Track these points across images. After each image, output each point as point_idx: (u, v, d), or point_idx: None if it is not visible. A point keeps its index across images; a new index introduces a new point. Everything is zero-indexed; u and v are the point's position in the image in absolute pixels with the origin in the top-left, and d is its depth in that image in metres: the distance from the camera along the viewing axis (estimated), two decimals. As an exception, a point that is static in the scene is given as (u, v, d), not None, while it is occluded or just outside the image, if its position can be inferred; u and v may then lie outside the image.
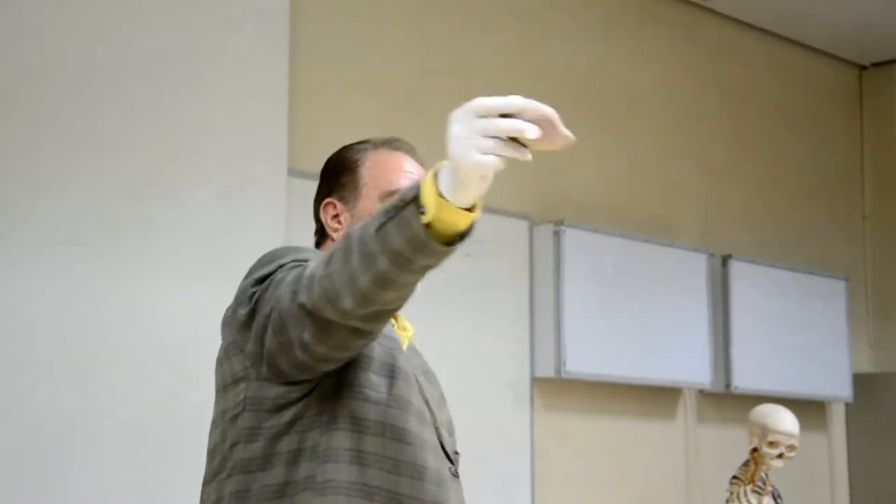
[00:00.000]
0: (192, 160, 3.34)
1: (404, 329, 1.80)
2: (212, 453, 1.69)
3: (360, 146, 1.84)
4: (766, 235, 5.40)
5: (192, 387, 3.07)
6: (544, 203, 4.48)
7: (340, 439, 1.58)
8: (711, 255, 4.92)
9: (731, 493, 3.95)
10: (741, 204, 5.32)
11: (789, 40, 5.56)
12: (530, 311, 4.31)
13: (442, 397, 1.83)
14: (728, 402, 5.00)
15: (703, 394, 4.95)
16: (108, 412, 3.09)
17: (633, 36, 4.90)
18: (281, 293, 1.53)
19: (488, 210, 4.11)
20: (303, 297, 1.46)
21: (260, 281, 1.62)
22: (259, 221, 3.41)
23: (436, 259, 1.35)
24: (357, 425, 1.59)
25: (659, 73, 4.99)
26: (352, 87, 3.93)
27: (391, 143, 1.84)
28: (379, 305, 1.42)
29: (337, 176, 1.80)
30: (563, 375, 4.23)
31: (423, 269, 1.37)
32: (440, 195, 1.30)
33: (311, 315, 1.46)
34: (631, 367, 4.51)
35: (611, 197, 4.76)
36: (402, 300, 1.44)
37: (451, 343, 3.94)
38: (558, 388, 4.39)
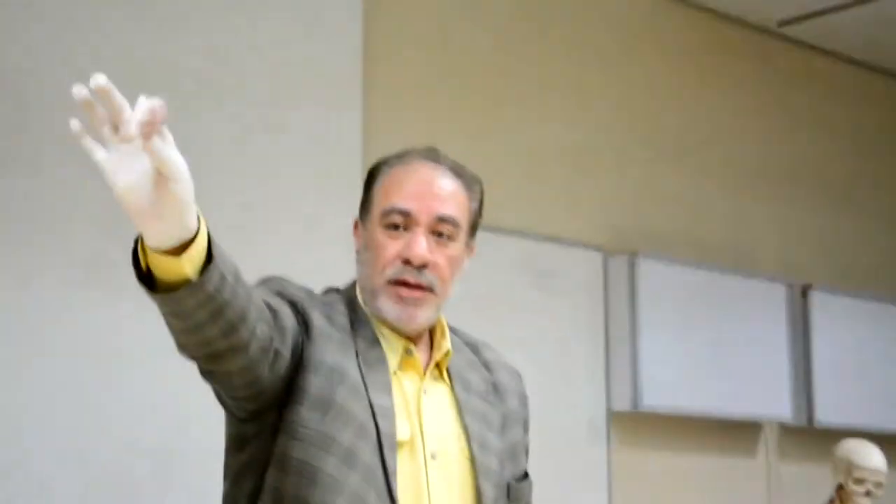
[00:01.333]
0: (267, 165, 3.37)
1: (419, 371, 1.69)
2: None
3: (387, 158, 1.75)
4: (848, 264, 5.32)
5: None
6: (618, 234, 4.45)
7: (271, 478, 1.54)
8: (790, 285, 4.87)
9: None
10: (821, 232, 5.26)
11: (865, 64, 5.50)
12: (605, 343, 4.29)
13: (512, 448, 1.73)
14: (811, 436, 4.91)
15: (784, 428, 4.89)
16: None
17: (710, 67, 4.90)
18: None
19: (560, 241, 4.20)
20: None
21: None
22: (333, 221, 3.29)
23: (164, 307, 1.31)
24: (282, 463, 1.53)
25: (736, 102, 4.97)
26: (426, 86, 3.94)
27: (415, 156, 1.73)
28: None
29: (363, 194, 1.75)
30: (641, 409, 4.20)
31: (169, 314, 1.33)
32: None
33: None
34: (709, 400, 4.46)
35: (686, 226, 4.72)
36: (188, 333, 1.37)
37: (523, 377, 3.85)
38: (635, 423, 4.35)
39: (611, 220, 4.44)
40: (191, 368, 1.47)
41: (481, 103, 4.13)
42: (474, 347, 1.80)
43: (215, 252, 1.28)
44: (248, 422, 1.56)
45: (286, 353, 1.50)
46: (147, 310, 1.40)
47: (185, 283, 1.26)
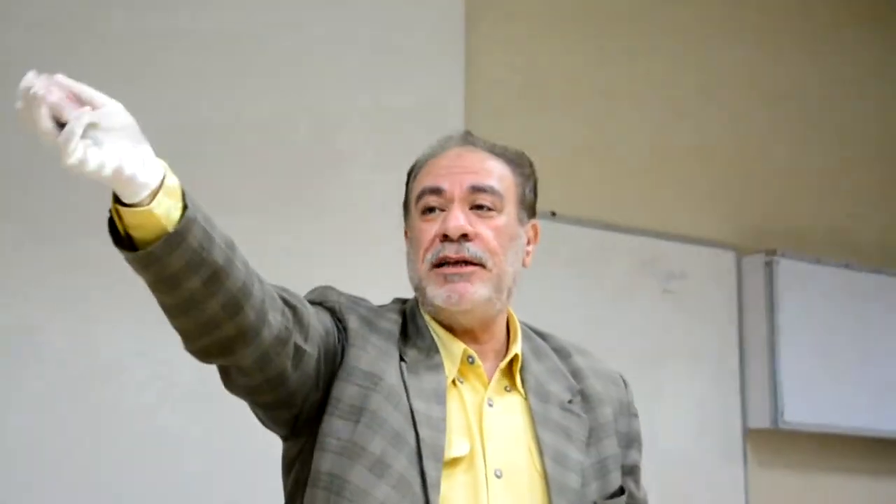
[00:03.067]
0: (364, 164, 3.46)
1: (483, 379, 1.67)
2: None
3: (425, 154, 1.77)
4: None
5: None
6: (754, 231, 4.40)
7: (308, 497, 1.54)
8: None
9: None
10: None
11: None
12: (740, 353, 4.23)
13: (601, 462, 1.71)
14: None
15: None
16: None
17: (854, 54, 4.80)
18: None
19: (688, 240, 4.26)
20: None
21: None
22: None
23: (149, 272, 1.31)
24: (315, 480, 1.54)
25: (887, 91, 4.85)
26: (525, 73, 3.97)
27: (441, 144, 1.77)
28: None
29: (405, 193, 1.77)
30: (781, 426, 4.13)
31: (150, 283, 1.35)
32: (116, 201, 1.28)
33: None
34: (859, 416, 4.36)
35: (832, 223, 4.61)
36: (175, 307, 1.39)
37: (649, 391, 3.83)
38: (776, 441, 4.27)
39: (745, 215, 4.39)
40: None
41: (600, 96, 4.15)
42: (564, 353, 1.78)
43: (189, 202, 1.28)
44: (290, 439, 1.59)
45: (311, 350, 1.50)
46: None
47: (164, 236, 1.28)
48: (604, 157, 4.08)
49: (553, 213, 3.64)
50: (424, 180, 1.68)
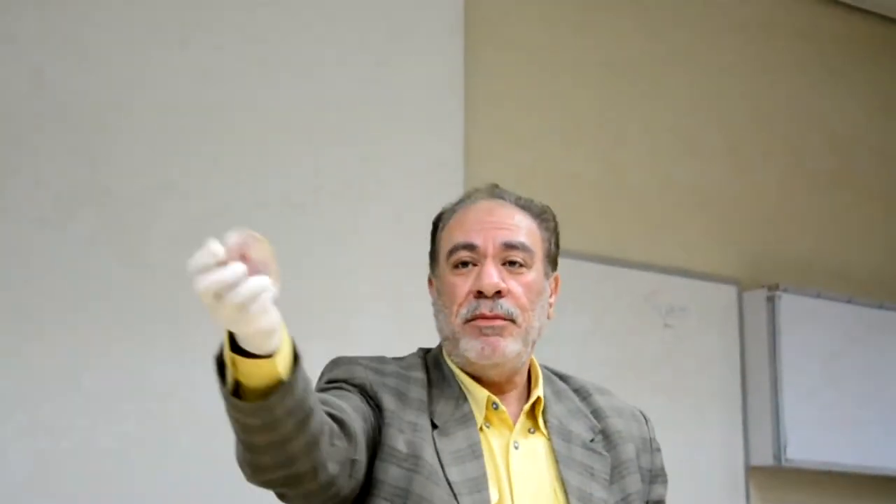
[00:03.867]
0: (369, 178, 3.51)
1: (508, 424, 1.74)
2: None
3: (449, 206, 1.83)
4: None
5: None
6: (755, 265, 4.39)
7: None
8: None
9: None
10: None
11: None
12: (742, 388, 4.22)
13: (625, 500, 1.76)
14: None
15: None
16: None
17: (851, 79, 4.82)
18: None
19: (689, 275, 4.25)
20: None
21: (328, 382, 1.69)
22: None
23: (255, 418, 1.35)
24: None
25: (887, 127, 4.87)
26: (528, 108, 3.98)
27: (468, 197, 1.83)
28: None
29: (430, 244, 1.81)
30: (784, 464, 4.11)
31: (245, 427, 1.38)
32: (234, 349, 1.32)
33: None
34: (865, 453, 4.32)
35: (835, 256, 4.60)
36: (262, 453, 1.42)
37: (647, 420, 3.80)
38: (779, 479, 4.25)
39: (746, 249, 4.38)
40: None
41: (603, 131, 4.17)
42: (584, 393, 1.83)
43: (299, 350, 1.34)
44: None
45: (362, 457, 1.55)
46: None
47: (276, 388, 1.32)
48: (605, 191, 4.07)
49: (553, 247, 3.64)
50: (456, 235, 1.73)
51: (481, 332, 1.70)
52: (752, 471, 4.14)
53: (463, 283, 1.72)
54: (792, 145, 4.58)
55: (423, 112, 3.70)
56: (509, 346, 1.69)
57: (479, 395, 1.71)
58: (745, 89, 4.54)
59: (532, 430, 1.73)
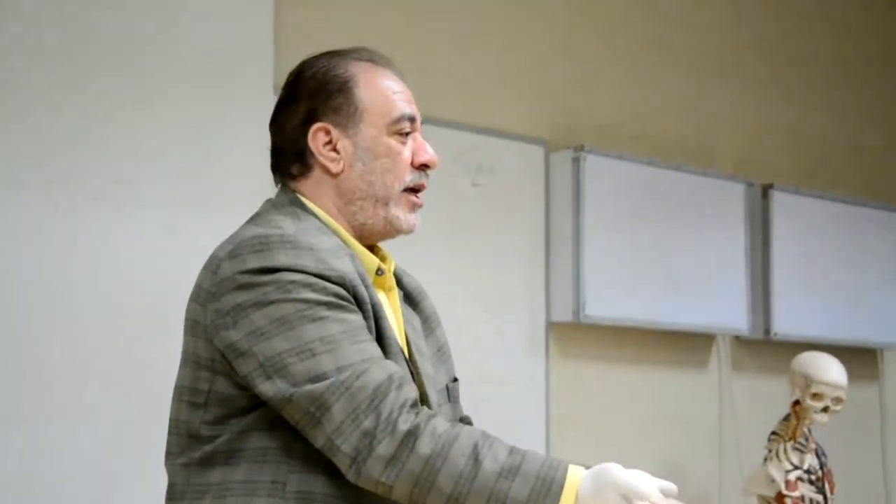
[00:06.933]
0: (178, 77, 3.46)
1: (387, 287, 1.85)
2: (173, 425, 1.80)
3: (340, 60, 1.83)
4: (813, 163, 5.35)
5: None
6: (562, 127, 4.47)
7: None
8: (750, 184, 4.89)
9: (770, 451, 3.95)
10: (784, 128, 5.26)
11: None
12: (546, 248, 4.33)
13: (440, 350, 1.92)
14: (767, 349, 5.01)
15: (738, 340, 4.96)
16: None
17: None
18: (350, 413, 1.62)
19: (497, 134, 4.27)
20: (384, 452, 1.59)
21: (259, 271, 1.66)
22: (245, 138, 3.48)
23: None
24: None
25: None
26: None
27: (373, 58, 1.85)
28: None
29: (326, 97, 1.80)
30: (582, 320, 4.27)
31: None
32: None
33: (381, 469, 1.60)
34: (658, 310, 4.54)
35: (637, 120, 4.72)
36: None
37: (458, 285, 4.01)
38: (576, 334, 4.42)
39: (554, 111, 4.46)
40: None
41: None
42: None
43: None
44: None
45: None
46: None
47: None
48: (416, 50, 4.04)
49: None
50: (399, 104, 1.80)
51: (414, 207, 1.80)
52: (552, 326, 4.29)
53: (406, 152, 1.78)
54: (601, 14, 4.64)
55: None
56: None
57: (368, 260, 1.78)
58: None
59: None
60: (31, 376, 3.17)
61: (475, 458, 1.59)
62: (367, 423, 1.60)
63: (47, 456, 3.17)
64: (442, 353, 1.92)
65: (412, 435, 1.60)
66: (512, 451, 1.61)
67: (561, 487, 1.56)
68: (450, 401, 1.89)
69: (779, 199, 4.95)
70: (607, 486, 1.56)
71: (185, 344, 1.77)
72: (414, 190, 1.81)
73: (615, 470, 1.57)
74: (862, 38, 5.75)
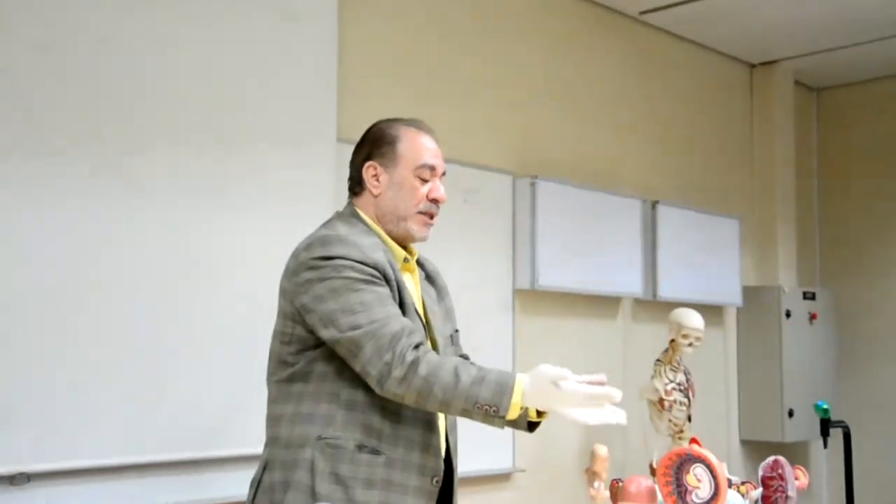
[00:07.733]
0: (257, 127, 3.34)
1: (412, 270, 2.03)
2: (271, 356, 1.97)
3: (396, 124, 2.02)
4: (685, 186, 5.57)
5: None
6: (523, 161, 4.62)
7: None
8: (644, 201, 5.13)
9: (655, 371, 4.26)
10: (667, 163, 5.48)
11: (702, 45, 5.79)
12: (512, 241, 4.49)
13: (448, 312, 2.12)
14: (655, 307, 5.21)
15: (637, 301, 5.18)
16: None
17: (590, 43, 5.08)
18: (376, 350, 1.76)
19: (480, 167, 4.27)
20: (397, 374, 1.73)
21: (322, 258, 1.83)
22: (313, 180, 3.48)
23: (511, 425, 1.77)
24: None
25: (607, 70, 5.18)
26: (391, 71, 4.05)
27: (419, 126, 2.04)
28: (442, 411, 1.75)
29: (379, 145, 1.99)
30: (537, 287, 4.45)
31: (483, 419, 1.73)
32: (522, 406, 1.74)
33: (396, 385, 1.76)
34: (586, 281, 4.74)
35: (572, 157, 4.87)
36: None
37: (453, 266, 3.89)
38: (533, 298, 4.60)
39: (517, 150, 4.57)
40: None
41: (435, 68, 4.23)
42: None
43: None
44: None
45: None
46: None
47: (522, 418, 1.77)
48: (428, 109, 4.01)
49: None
50: (425, 156, 1.96)
51: (426, 225, 2.00)
52: (517, 292, 4.48)
53: (423, 189, 1.97)
54: (553, 86, 4.81)
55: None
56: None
57: (398, 252, 1.97)
58: (511, 55, 4.59)
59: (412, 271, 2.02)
60: (195, 323, 3.15)
61: (456, 375, 1.72)
62: (387, 357, 1.76)
63: (205, 380, 3.14)
64: (449, 314, 2.12)
65: (415, 363, 1.75)
66: (480, 369, 1.75)
67: (512, 387, 1.68)
68: (453, 344, 2.10)
69: (662, 211, 5.19)
70: (542, 379, 1.68)
71: (279, 303, 1.93)
72: (427, 214, 1.98)
73: (545, 368, 1.71)
74: (718, 111, 5.87)
